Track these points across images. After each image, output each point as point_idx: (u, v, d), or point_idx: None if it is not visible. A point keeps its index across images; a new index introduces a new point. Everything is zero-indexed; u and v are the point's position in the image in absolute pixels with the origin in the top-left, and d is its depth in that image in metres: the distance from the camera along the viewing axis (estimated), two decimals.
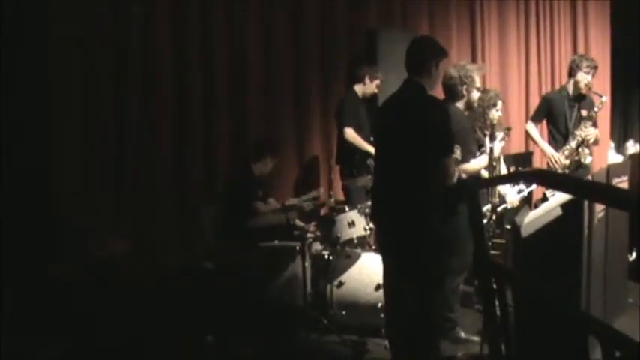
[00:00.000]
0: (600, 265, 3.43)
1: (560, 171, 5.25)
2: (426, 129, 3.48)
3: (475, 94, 4.48)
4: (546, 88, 7.35)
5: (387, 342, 4.03)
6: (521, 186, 4.86)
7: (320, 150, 6.24)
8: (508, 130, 4.70)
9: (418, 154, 3.48)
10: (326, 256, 4.69)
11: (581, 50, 7.54)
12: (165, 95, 5.41)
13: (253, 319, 4.50)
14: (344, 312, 4.51)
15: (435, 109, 3.57)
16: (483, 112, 4.88)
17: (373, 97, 5.82)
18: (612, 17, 7.81)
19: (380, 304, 4.29)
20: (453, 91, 4.38)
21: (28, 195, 4.77)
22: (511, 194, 4.85)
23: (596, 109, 5.34)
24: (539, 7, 7.55)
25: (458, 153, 3.95)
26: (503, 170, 5.03)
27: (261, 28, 5.89)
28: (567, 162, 5.32)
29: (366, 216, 4.67)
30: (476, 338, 4.20)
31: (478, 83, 4.45)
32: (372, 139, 5.27)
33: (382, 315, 4.19)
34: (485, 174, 4.39)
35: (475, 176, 4.34)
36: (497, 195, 4.57)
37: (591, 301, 3.22)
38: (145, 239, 5.17)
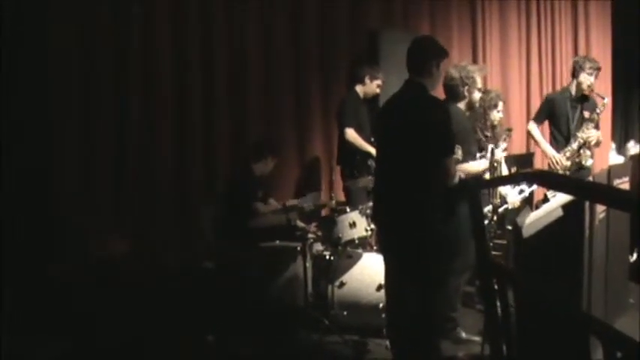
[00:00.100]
0: (601, 266, 3.42)
1: (561, 172, 5.24)
2: (427, 129, 3.48)
3: (476, 95, 4.47)
4: (547, 89, 7.34)
5: (388, 342, 4.03)
6: (523, 186, 4.85)
7: (321, 151, 6.23)
8: (509, 130, 4.69)
9: (419, 154, 3.48)
10: (327, 257, 4.68)
11: (582, 51, 7.53)
12: (165, 95, 5.41)
13: (254, 320, 4.50)
14: (345, 312, 4.50)
15: (436, 110, 3.57)
16: (484, 112, 4.87)
17: (374, 97, 5.81)
18: (613, 18, 7.80)
19: (381, 305, 4.28)
20: (453, 91, 4.37)
21: (28, 195, 4.77)
22: (512, 195, 4.84)
23: (598, 110, 5.33)
24: (540, 8, 7.54)
25: (459, 153, 3.94)
26: (505, 171, 5.02)
27: (261, 28, 5.89)
28: (568, 163, 5.32)
29: (367, 217, 4.66)
30: (477, 338, 4.19)
31: (479, 84, 4.44)
32: (372, 139, 5.27)
33: (383, 315, 4.19)
34: (486, 175, 4.39)
35: (475, 177, 4.33)
36: (498, 196, 4.56)
37: (592, 302, 3.21)
38: (145, 239, 5.17)
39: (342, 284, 4.56)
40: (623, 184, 3.81)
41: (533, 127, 5.67)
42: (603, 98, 5.38)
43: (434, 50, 3.65)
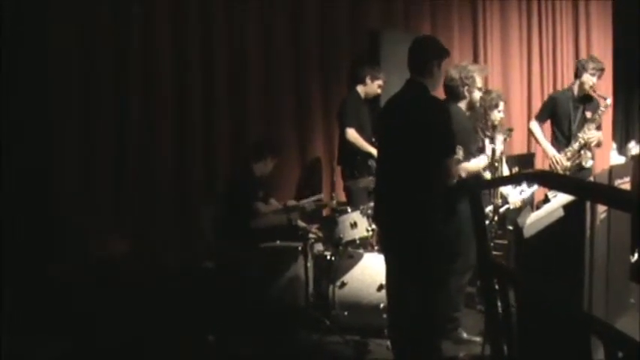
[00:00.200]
0: (602, 266, 3.41)
1: (561, 172, 5.24)
2: (428, 129, 3.48)
3: (477, 95, 4.46)
4: (548, 89, 7.34)
5: (389, 343, 4.02)
6: (524, 187, 4.84)
7: (322, 151, 6.22)
8: (510, 130, 4.68)
9: (420, 154, 3.48)
10: (328, 257, 4.68)
11: (582, 51, 7.53)
12: (165, 95, 5.40)
13: (254, 320, 4.49)
14: (346, 312, 4.50)
15: (436, 110, 3.57)
16: (485, 112, 4.86)
17: (375, 97, 5.81)
18: (614, 18, 7.80)
19: (382, 305, 4.28)
20: (454, 92, 4.37)
21: (28, 195, 4.76)
22: (513, 195, 4.83)
23: (600, 111, 5.33)
24: (541, 8, 7.53)
25: (460, 153, 3.94)
26: (506, 171, 5.01)
27: (261, 28, 5.88)
28: (569, 164, 5.32)
29: (368, 217, 4.66)
30: (478, 339, 4.19)
31: (479, 84, 4.43)
32: (373, 139, 5.26)
33: (384, 315, 4.18)
34: (487, 175, 4.38)
35: (475, 176, 4.32)
36: (499, 196, 4.56)
37: (593, 302, 3.21)
38: (145, 239, 5.16)
39: (343, 284, 4.56)
40: (624, 184, 3.81)
41: (534, 125, 5.66)
42: (606, 99, 5.38)
43: (435, 50, 3.65)
